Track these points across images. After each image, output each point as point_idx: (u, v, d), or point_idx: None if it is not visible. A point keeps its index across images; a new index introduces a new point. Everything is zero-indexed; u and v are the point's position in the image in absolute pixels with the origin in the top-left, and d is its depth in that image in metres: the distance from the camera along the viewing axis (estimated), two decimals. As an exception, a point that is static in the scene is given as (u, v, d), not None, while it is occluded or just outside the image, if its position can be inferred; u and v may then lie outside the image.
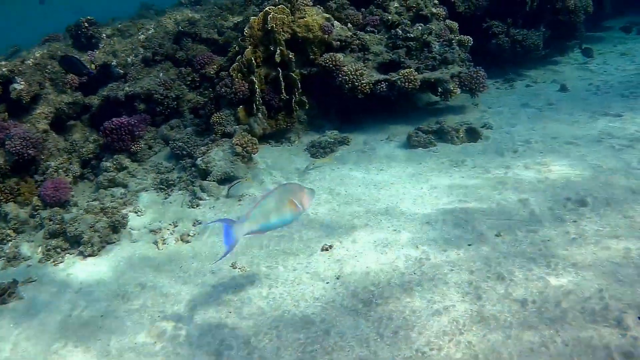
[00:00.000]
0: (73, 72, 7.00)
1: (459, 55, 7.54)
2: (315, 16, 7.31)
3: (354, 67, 6.95)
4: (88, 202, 6.33)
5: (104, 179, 6.69)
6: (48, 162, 6.79)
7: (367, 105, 7.33)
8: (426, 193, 5.20)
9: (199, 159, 6.56)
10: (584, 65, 9.03)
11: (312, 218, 5.11)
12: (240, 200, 5.99)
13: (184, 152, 6.87)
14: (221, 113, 7.01)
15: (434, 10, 7.90)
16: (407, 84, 6.81)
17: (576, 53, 9.82)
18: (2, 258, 5.47)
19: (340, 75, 6.96)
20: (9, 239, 5.77)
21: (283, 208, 3.24)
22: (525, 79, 8.68)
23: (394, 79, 6.91)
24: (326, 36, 7.23)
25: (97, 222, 5.81)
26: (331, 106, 7.56)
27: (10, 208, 6.03)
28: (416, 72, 6.95)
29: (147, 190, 6.65)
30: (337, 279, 4.05)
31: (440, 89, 7.08)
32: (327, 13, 7.72)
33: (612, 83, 7.88)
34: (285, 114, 7.14)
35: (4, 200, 6.16)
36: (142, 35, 8.30)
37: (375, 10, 8.00)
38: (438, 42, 7.60)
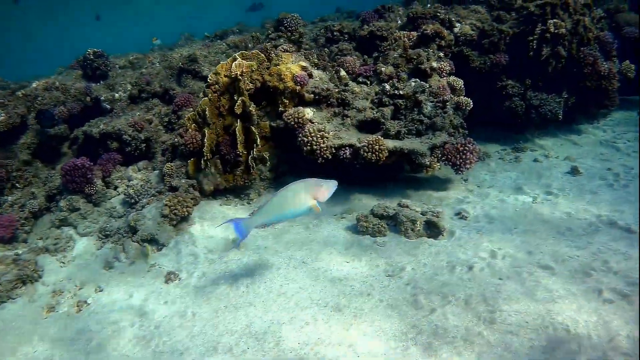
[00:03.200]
0: (43, 125, 6.21)
1: (451, 120, 5.66)
2: (289, 64, 5.76)
3: (316, 128, 5.33)
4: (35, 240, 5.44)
5: (56, 218, 5.69)
6: (6, 197, 5.89)
7: (335, 169, 5.70)
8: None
9: (132, 213, 5.32)
10: (611, 142, 6.69)
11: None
12: (149, 269, 4.69)
13: (133, 201, 5.66)
14: (173, 164, 5.71)
15: (435, 64, 6.04)
16: (370, 154, 5.09)
17: (607, 122, 7.40)
18: None
19: (300, 134, 5.38)
20: None
21: (294, 202, 2.98)
22: (537, 150, 6.55)
23: (358, 145, 5.21)
24: (298, 87, 5.66)
25: (4, 274, 4.74)
26: (302, 164, 6.00)
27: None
28: (386, 140, 5.20)
29: (90, 236, 5.52)
30: None
31: (416, 162, 5.27)
32: (318, 59, 6.15)
33: (636, 172, 5.60)
34: (243, 170, 5.68)
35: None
36: (145, 70, 7.18)
37: (378, 58, 6.32)
38: (432, 102, 5.77)
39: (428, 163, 5.18)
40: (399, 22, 7.28)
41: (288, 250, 4.70)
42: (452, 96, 5.84)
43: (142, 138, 6.17)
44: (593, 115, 7.34)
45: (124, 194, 5.77)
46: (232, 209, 5.57)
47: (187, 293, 4.29)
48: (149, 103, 6.64)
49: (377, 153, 5.08)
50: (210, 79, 5.72)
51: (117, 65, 7.20)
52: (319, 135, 5.27)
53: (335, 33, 7.24)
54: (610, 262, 3.93)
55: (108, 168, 6.07)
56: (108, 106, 6.64)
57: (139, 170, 6.14)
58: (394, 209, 4.88)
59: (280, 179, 5.89)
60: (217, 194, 5.75)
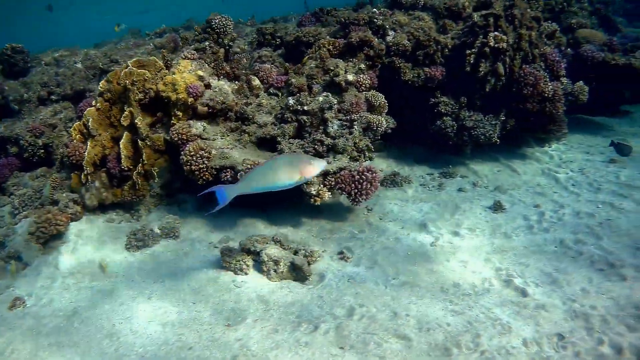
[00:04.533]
0: None
1: (356, 143, 4.77)
2: (185, 73, 4.95)
3: (197, 146, 4.54)
4: None
5: (-60, 224, 5.07)
6: None
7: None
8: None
9: (4, 227, 4.65)
10: (554, 171, 5.67)
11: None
12: (2, 292, 4.06)
13: (17, 212, 5.00)
14: (60, 175, 5.01)
15: (350, 77, 5.15)
16: (249, 180, 4.26)
17: (559, 146, 6.35)
18: None
19: (182, 152, 4.60)
20: None
21: (279, 174, 2.85)
22: (468, 177, 5.59)
23: (239, 168, 4.40)
24: (191, 99, 4.86)
25: None
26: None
27: None
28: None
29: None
30: None
31: (303, 190, 4.43)
32: (230, 67, 5.33)
33: (567, 214, 4.62)
34: (131, 185, 4.94)
35: None
36: (61, 70, 6.49)
37: (300, 67, 5.47)
38: (339, 121, 4.89)
39: (314, 192, 4.32)
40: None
41: (143, 282, 3.97)
42: (363, 114, 4.94)
43: (40, 144, 5.49)
44: (544, 138, 6.30)
45: (11, 204, 5.13)
46: (115, 227, 4.85)
47: (20, 325, 3.62)
48: (57, 106, 5.95)
49: (256, 179, 4.24)
50: (101, 87, 4.97)
51: (44, 62, 6.51)
52: (199, 155, 4.48)
53: (267, 37, 6.38)
54: (482, 336, 3.05)
55: (4, 173, 5.44)
56: (16, 107, 5.98)
57: (37, 177, 5.48)
58: (264, 245, 4.07)
59: (173, 196, 5.13)
60: (106, 208, 5.04)
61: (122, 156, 4.75)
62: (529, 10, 5.60)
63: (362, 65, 5.36)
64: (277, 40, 6.34)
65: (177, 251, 4.39)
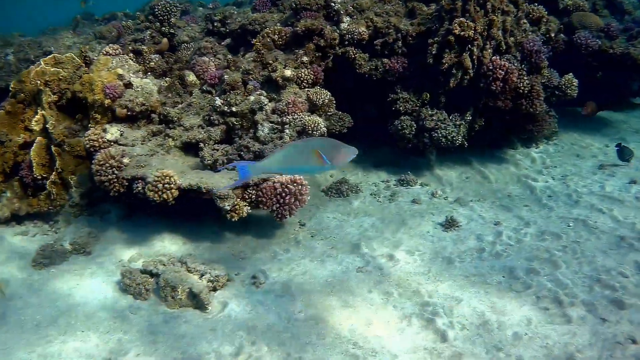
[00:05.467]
0: None
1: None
2: (103, 71, 4.79)
3: (109, 154, 4.39)
4: None
5: None
6: None
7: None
8: None
9: None
10: (532, 178, 5.29)
11: None
12: None
13: None
14: (-31, 182, 4.96)
15: (288, 73, 4.89)
16: (154, 193, 4.10)
17: (547, 147, 5.95)
18: None
19: (93, 161, 4.47)
20: None
21: (306, 157, 2.80)
22: (429, 185, 5.29)
23: (148, 180, 4.23)
24: (108, 101, 4.71)
25: None
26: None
27: None
28: (176, 177, 4.17)
29: None
30: None
31: (217, 205, 4.23)
32: (159, 62, 5.15)
33: (529, 235, 4.28)
34: (47, 195, 4.86)
35: None
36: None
37: (237, 61, 5.25)
38: (270, 123, 4.66)
39: (228, 208, 4.12)
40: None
41: (29, 309, 3.88)
42: (299, 116, 4.68)
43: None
44: (529, 139, 5.90)
45: None
46: (28, 240, 4.78)
47: None
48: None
49: (161, 192, 4.08)
50: (12, 88, 4.87)
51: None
52: (108, 165, 4.33)
53: (215, 24, 6.14)
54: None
55: None
56: None
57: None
58: (168, 266, 3.91)
59: (95, 205, 5.02)
60: (22, 219, 4.98)
61: (34, 163, 4.65)
62: (505, -9, 5.18)
63: (305, 58, 5.07)
64: (227, 28, 6.09)
65: (84, 270, 4.28)
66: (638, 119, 6.78)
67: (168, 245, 4.47)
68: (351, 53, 5.37)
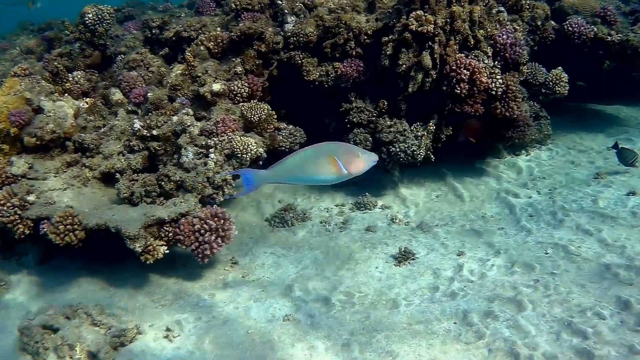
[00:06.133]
0: None
1: (209, 178, 4.14)
2: (9, 96, 4.52)
3: (8, 193, 4.10)
4: None
5: None
6: None
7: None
8: None
9: None
10: (513, 193, 4.79)
11: None
12: None
13: None
14: None
15: (216, 87, 4.54)
16: (56, 236, 3.79)
17: (539, 153, 5.43)
18: None
19: (-6, 199, 4.19)
20: None
21: (321, 164, 2.60)
22: (391, 207, 4.85)
23: (53, 221, 3.92)
24: (14, 129, 4.44)
25: None
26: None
27: None
28: (81, 216, 3.84)
29: None
30: None
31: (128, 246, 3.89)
32: (78, 79, 4.87)
33: (495, 267, 3.80)
34: (-43, 235, 4.61)
35: None
36: None
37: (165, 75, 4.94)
38: (195, 147, 4.31)
39: (140, 249, 3.77)
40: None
41: None
42: (227, 137, 4.30)
43: None
44: (516, 145, 5.38)
45: None
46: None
47: None
48: None
49: (64, 234, 3.76)
50: None
51: None
52: (10, 204, 4.05)
53: (154, 31, 5.82)
54: None
55: None
56: None
57: None
58: (71, 320, 3.60)
59: (12, 247, 4.74)
60: None
61: None
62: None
63: (239, 69, 4.70)
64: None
65: (-16, 326, 4.00)
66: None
67: (85, 292, 4.16)
68: (297, 58, 4.97)
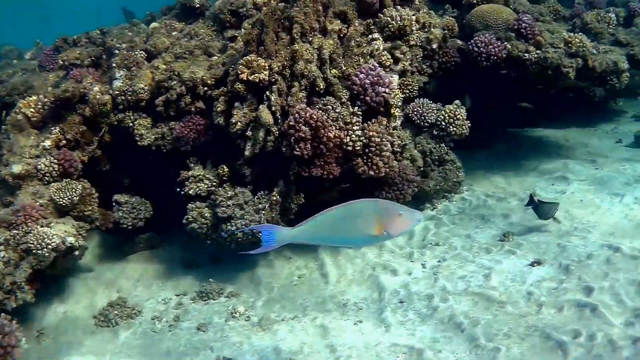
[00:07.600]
0: None
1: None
2: None
3: None
4: None
5: None
6: None
7: None
8: None
9: None
10: (397, 267, 4.31)
11: None
12: None
13: None
14: None
15: (16, 169, 4.32)
16: None
17: (448, 206, 4.93)
18: None
19: None
20: None
21: (359, 224, 2.58)
22: (238, 296, 4.45)
23: None
24: None
25: None
26: None
27: None
28: None
29: None
30: None
31: None
32: None
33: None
34: None
35: None
36: None
37: None
38: None
39: None
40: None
41: None
42: (27, 227, 4.05)
43: None
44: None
45: None
46: None
47: None
48: None
49: None
50: None
51: None
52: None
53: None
54: None
55: None
56: None
57: None
58: None
59: None
60: None
61: None
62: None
63: (47, 143, 4.44)
64: None
65: None
66: (602, 137, 5.56)
67: None
68: (128, 120, 4.69)
